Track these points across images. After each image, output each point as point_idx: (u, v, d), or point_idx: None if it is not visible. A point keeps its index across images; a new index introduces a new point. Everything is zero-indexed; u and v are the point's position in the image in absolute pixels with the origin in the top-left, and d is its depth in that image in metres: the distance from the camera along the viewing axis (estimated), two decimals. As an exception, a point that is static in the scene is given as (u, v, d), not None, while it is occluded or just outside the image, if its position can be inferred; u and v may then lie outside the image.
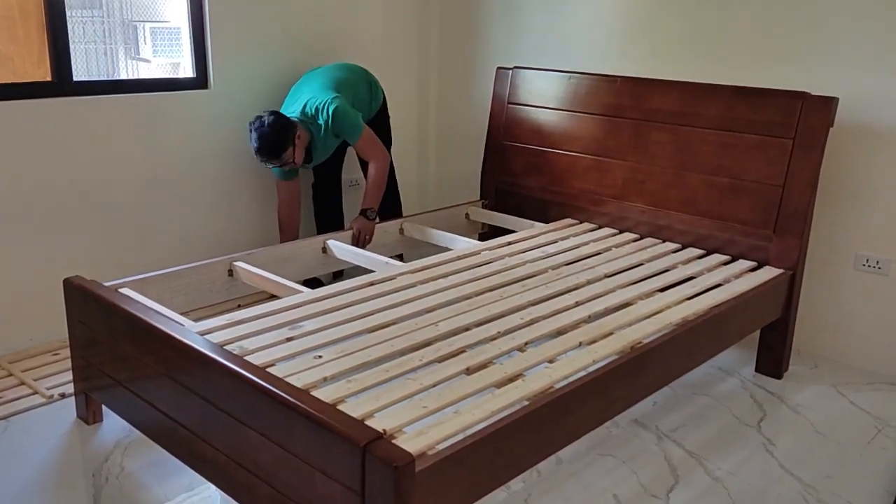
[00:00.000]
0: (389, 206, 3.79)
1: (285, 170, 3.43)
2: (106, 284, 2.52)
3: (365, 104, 3.58)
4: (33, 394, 2.78)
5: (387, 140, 3.74)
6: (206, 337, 2.16)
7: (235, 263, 2.91)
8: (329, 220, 3.84)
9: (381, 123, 3.70)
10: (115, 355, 2.36)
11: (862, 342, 3.19)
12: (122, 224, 3.35)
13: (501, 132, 3.81)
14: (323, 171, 3.78)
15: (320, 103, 3.31)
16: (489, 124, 3.87)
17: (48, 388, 2.80)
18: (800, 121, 2.92)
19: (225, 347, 2.11)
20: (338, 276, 3.78)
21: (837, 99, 2.88)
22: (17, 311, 3.10)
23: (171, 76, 3.58)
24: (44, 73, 3.11)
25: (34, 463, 2.40)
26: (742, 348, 3.24)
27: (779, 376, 3.08)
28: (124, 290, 2.52)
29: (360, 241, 3.31)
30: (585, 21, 3.74)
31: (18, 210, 3.05)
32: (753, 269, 3.01)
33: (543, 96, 3.64)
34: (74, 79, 3.16)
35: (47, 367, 2.98)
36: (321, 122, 3.31)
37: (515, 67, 3.75)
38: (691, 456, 2.53)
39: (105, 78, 3.42)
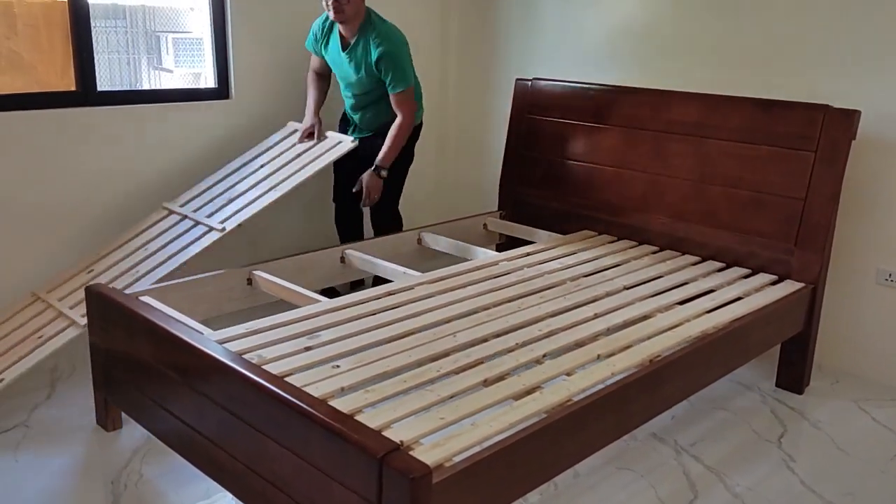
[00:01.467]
0: (389, 219, 3.78)
1: (316, 47, 3.47)
2: (127, 293, 2.54)
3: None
4: (70, 325, 2.74)
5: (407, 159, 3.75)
6: (225, 345, 2.18)
7: (254, 272, 2.93)
8: (349, 230, 3.84)
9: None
10: (135, 363, 2.38)
11: (884, 357, 3.15)
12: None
13: (520, 143, 3.80)
14: (348, 181, 3.78)
15: (387, 39, 3.29)
16: (508, 135, 3.87)
17: (83, 316, 2.74)
18: (822, 134, 2.90)
19: (243, 356, 2.12)
20: (356, 285, 3.79)
21: (860, 112, 2.85)
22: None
23: (193, 86, 3.62)
24: (68, 83, 3.14)
25: (53, 469, 2.42)
26: (762, 362, 3.21)
27: (799, 391, 3.05)
28: (144, 298, 2.54)
29: (365, 197, 3.36)
30: (603, 32, 3.74)
31: (41, 217, 3.09)
32: (774, 283, 2.98)
33: (562, 108, 3.63)
34: (98, 89, 3.19)
35: (82, 291, 2.86)
36: (375, 40, 3.27)
37: (535, 79, 3.75)
38: (710, 471, 2.51)
39: (128, 88, 3.46)
